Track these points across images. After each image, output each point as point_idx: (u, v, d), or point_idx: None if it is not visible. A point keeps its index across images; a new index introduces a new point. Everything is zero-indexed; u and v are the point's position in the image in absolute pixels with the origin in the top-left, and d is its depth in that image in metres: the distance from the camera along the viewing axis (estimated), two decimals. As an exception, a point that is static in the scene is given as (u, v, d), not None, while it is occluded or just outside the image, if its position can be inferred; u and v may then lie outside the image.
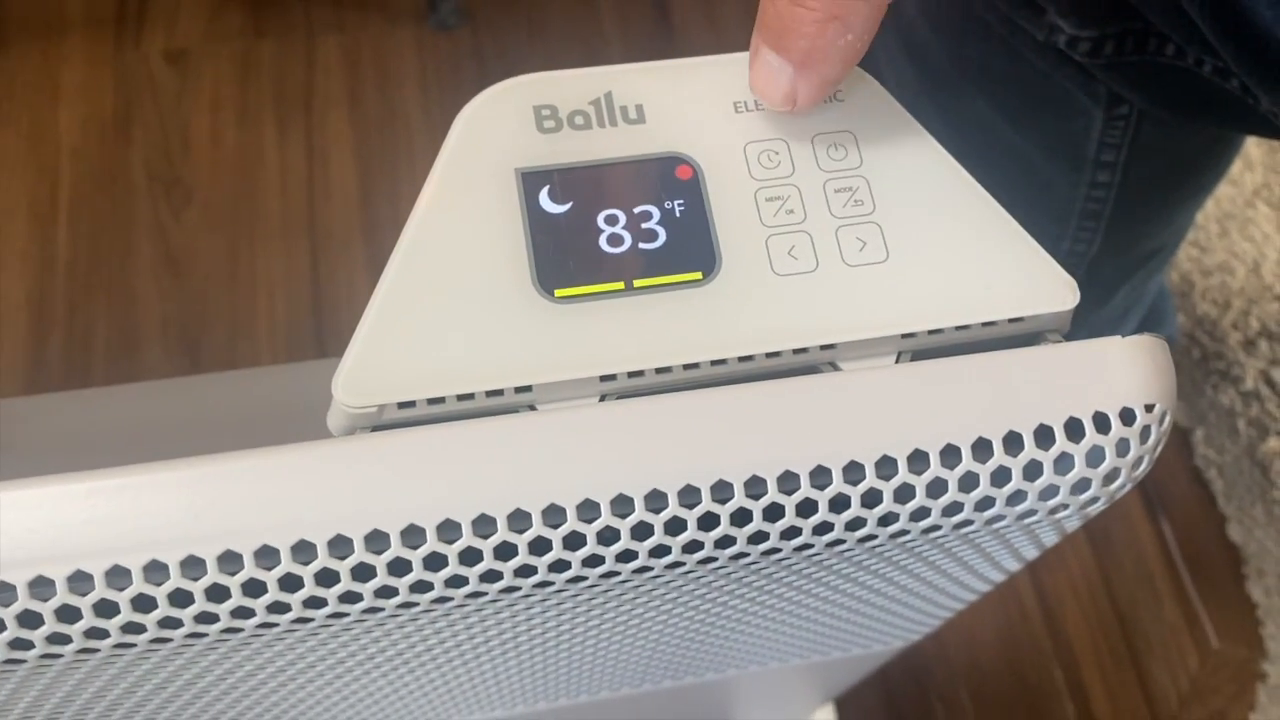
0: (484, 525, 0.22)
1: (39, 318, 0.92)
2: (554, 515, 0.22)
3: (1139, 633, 0.85)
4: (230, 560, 0.22)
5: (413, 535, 0.22)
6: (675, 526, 0.23)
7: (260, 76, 1.04)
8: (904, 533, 0.24)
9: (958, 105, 0.52)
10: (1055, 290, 0.26)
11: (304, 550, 0.22)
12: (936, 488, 0.23)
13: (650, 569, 0.24)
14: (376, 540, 0.22)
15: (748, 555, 0.24)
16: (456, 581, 0.22)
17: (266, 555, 0.22)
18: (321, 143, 1.00)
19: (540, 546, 0.22)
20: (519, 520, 0.22)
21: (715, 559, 0.24)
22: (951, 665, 0.82)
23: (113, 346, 0.90)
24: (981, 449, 0.23)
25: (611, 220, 0.26)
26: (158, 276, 0.93)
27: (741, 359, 0.25)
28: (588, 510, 0.22)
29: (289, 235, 0.96)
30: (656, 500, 0.22)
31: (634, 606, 0.28)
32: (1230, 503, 0.87)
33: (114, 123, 1.01)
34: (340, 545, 0.22)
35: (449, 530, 0.22)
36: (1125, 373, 0.24)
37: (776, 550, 0.24)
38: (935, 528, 0.24)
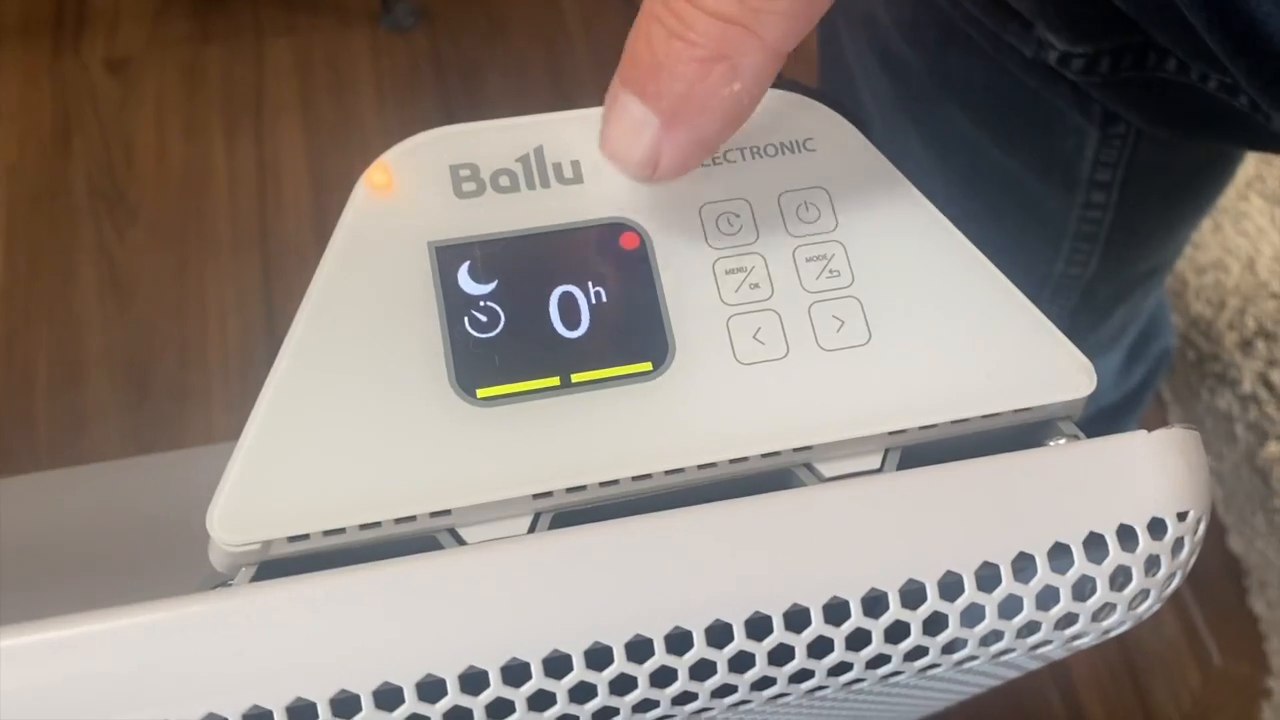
0: (388, 697, 0.18)
1: (-24, 348, 0.87)
2: (473, 682, 0.18)
3: (1138, 651, 0.82)
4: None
5: (303, 712, 0.18)
6: (622, 685, 0.19)
7: (207, 84, 0.99)
8: (897, 674, 0.20)
9: (939, 122, 0.48)
10: (1068, 374, 0.22)
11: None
12: (935, 624, 0.20)
13: (595, 731, 0.20)
14: (256, 714, 0.18)
15: (710, 710, 0.20)
16: (359, 761, 0.19)
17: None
18: (273, 152, 0.96)
19: (458, 716, 0.18)
20: (431, 690, 0.18)
21: (673, 716, 0.20)
22: (944, 692, 0.78)
23: (55, 379, 0.86)
24: (987, 577, 0.20)
25: (544, 302, 0.22)
26: (102, 302, 0.89)
27: (701, 466, 0.21)
28: (514, 674, 0.18)
29: (240, 252, 0.91)
30: (599, 658, 0.19)
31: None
32: (1230, 512, 0.83)
33: (53, 137, 0.95)
34: (212, 728, 0.18)
35: (346, 706, 0.18)
36: (1153, 477, 0.20)
37: (746, 701, 0.20)
38: (934, 665, 0.21)
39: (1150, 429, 0.21)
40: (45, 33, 1.00)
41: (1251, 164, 0.94)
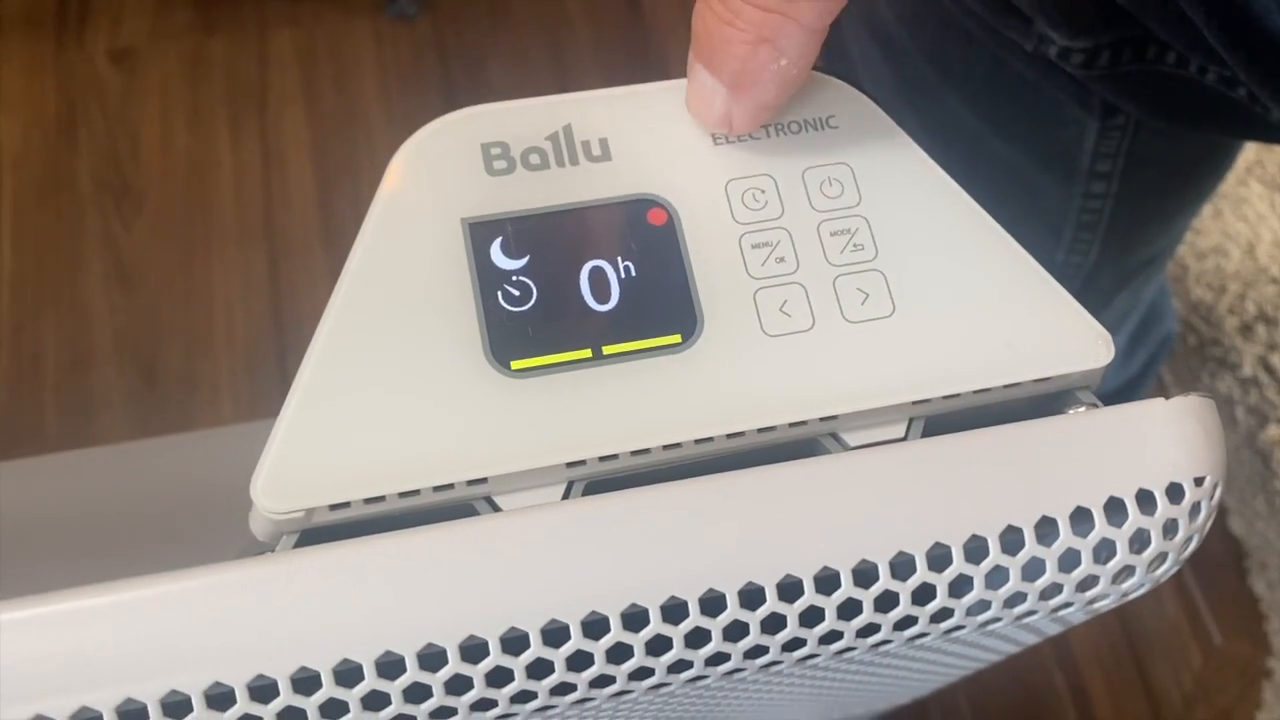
0: (432, 659, 0.19)
1: (-16, 339, 0.87)
2: (514, 644, 0.19)
3: (1140, 632, 0.82)
4: (132, 710, 0.18)
5: (349, 674, 0.18)
6: (658, 646, 0.19)
7: (211, 75, 0.99)
8: (922, 635, 0.21)
9: (940, 113, 0.49)
10: (1086, 345, 0.22)
11: (220, 696, 0.18)
12: (960, 586, 0.20)
13: (630, 692, 0.20)
14: (305, 681, 0.18)
15: (743, 670, 0.20)
16: (402, 721, 0.19)
17: (176, 700, 0.18)
18: (277, 143, 0.96)
19: (499, 677, 0.19)
20: (473, 651, 0.19)
21: (706, 676, 0.20)
22: (949, 673, 0.79)
23: (63, 368, 0.86)
24: (1011, 540, 0.20)
25: (574, 276, 0.22)
26: (109, 291, 0.89)
27: (730, 435, 0.22)
28: (554, 636, 0.19)
29: (246, 243, 0.91)
30: (635, 620, 0.19)
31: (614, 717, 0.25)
32: (1230, 494, 0.84)
33: (58, 129, 0.96)
34: (263, 688, 0.18)
35: (391, 666, 0.19)
36: (1171, 443, 0.21)
37: (777, 662, 0.21)
38: (958, 628, 0.21)
39: (1211, 431, 0.21)
40: (49, 24, 1.00)
41: (1251, 150, 0.95)
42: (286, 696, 0.18)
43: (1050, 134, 0.47)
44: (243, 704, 0.18)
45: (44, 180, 0.93)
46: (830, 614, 0.20)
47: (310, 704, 0.18)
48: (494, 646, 0.19)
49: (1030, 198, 0.50)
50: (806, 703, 0.34)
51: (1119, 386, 0.69)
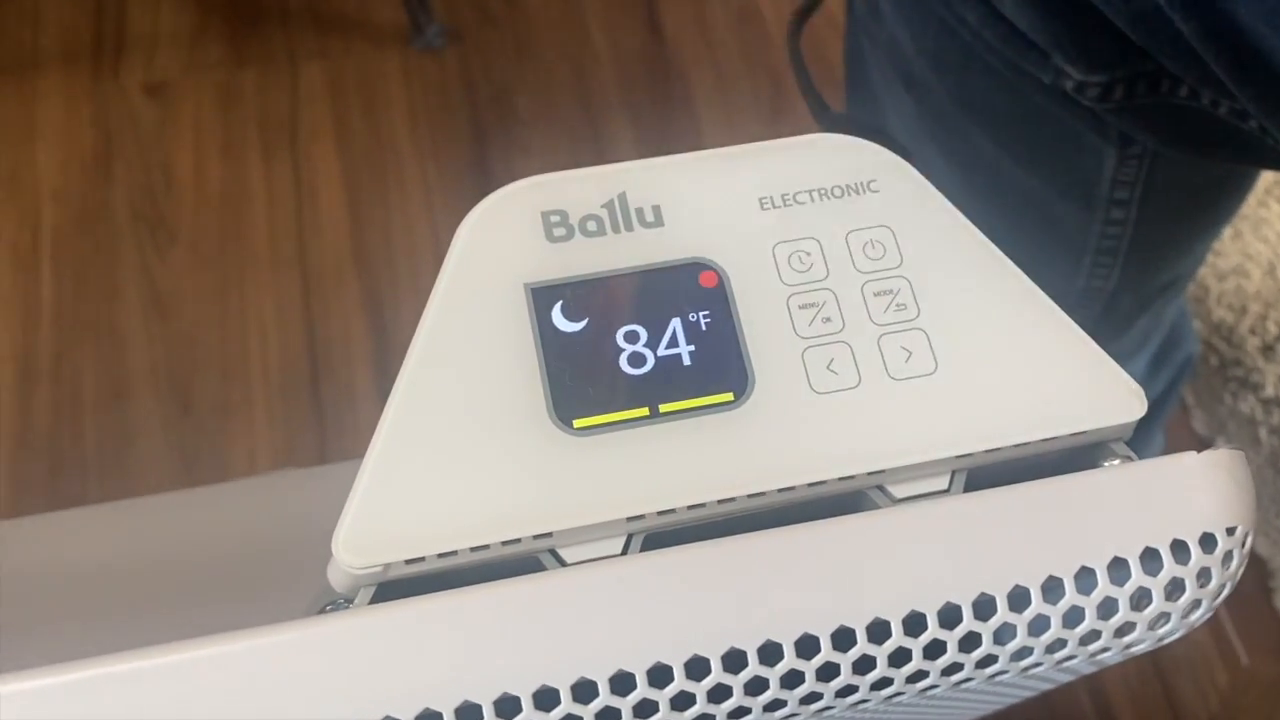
0: (507, 706, 0.20)
1: (26, 368, 0.89)
2: (584, 692, 0.20)
3: (1166, 652, 0.83)
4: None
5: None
6: (719, 694, 0.20)
7: (243, 107, 1.01)
8: (968, 680, 0.22)
9: (961, 143, 0.50)
10: (1120, 400, 0.23)
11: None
12: (1004, 634, 0.21)
13: (692, 735, 0.21)
14: (389, 728, 0.20)
15: (797, 716, 0.22)
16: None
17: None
18: (309, 174, 0.98)
19: (571, 724, 0.20)
20: (546, 699, 0.20)
21: (763, 721, 0.21)
22: (976, 695, 0.80)
23: (102, 396, 0.88)
24: (1052, 589, 0.21)
25: (632, 337, 0.23)
26: (145, 320, 0.91)
27: (781, 490, 0.23)
28: (621, 684, 0.20)
29: (279, 271, 0.93)
30: (698, 668, 0.20)
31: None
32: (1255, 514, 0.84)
33: (94, 161, 0.98)
34: (349, 736, 0.19)
35: (469, 715, 0.20)
36: (1203, 494, 0.22)
37: (829, 709, 0.22)
38: (1002, 672, 0.22)
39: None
40: (85, 59, 1.03)
41: (1270, 173, 0.96)
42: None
43: (1069, 163, 0.48)
44: (331, 750, 0.19)
45: (82, 212, 0.95)
46: (881, 662, 0.21)
47: (394, 750, 0.20)
48: (565, 695, 0.20)
49: (1051, 225, 0.51)
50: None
51: (1142, 409, 0.69)
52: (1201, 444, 0.89)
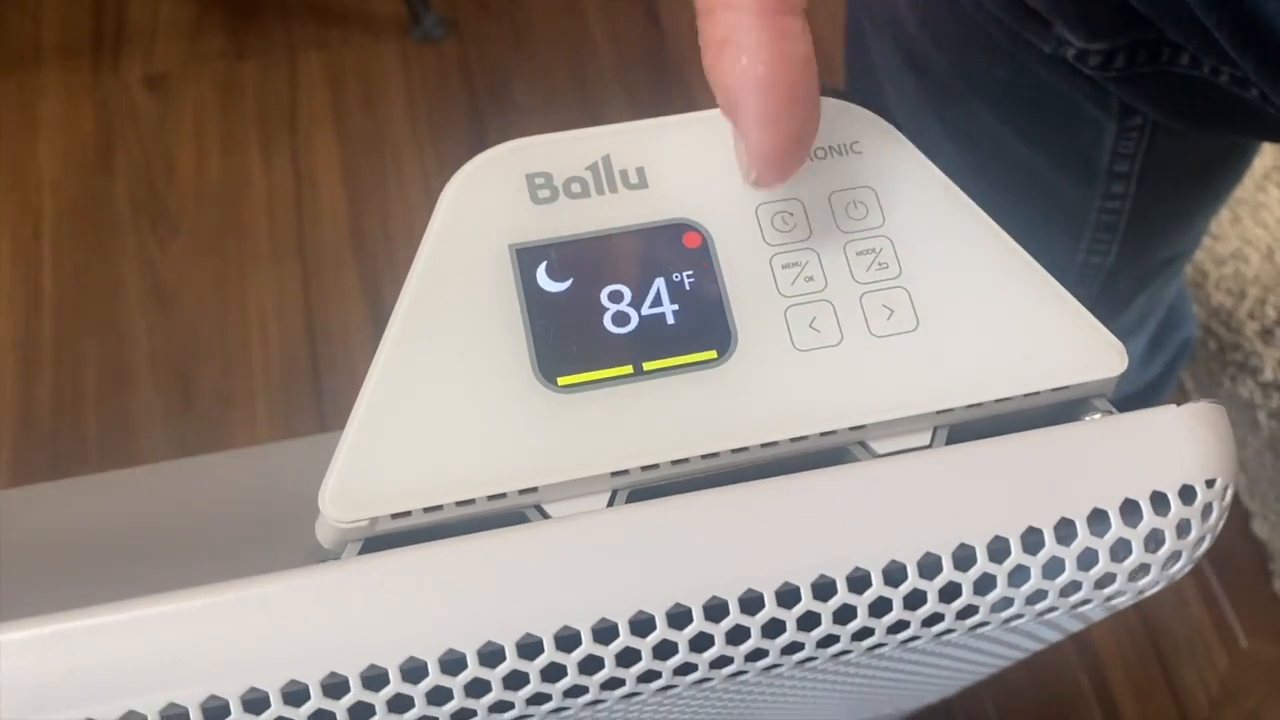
0: (491, 656, 0.20)
1: (28, 359, 0.90)
2: (567, 642, 0.20)
3: (1165, 635, 0.83)
4: (216, 706, 0.20)
5: (413, 672, 0.20)
6: (701, 643, 0.21)
7: (243, 98, 1.01)
8: (949, 631, 0.22)
9: (963, 118, 0.50)
10: (1101, 355, 0.24)
11: (297, 693, 0.20)
12: (984, 584, 0.21)
13: (675, 687, 0.22)
14: (374, 678, 0.20)
15: (780, 665, 0.22)
16: (464, 715, 0.21)
17: (255, 699, 0.20)
18: (308, 164, 0.98)
19: (554, 673, 0.20)
20: (529, 649, 0.20)
21: (745, 671, 0.22)
22: (976, 678, 0.80)
23: (104, 386, 0.88)
24: (1032, 540, 0.21)
25: (616, 297, 0.24)
26: (146, 311, 0.91)
27: (764, 445, 0.23)
28: (604, 634, 0.20)
29: (279, 261, 0.93)
30: (680, 618, 0.20)
31: (659, 711, 0.26)
32: (1254, 498, 0.85)
33: (95, 154, 0.98)
34: (335, 685, 0.20)
35: (454, 665, 0.20)
36: (1183, 447, 0.22)
37: (812, 659, 0.22)
38: (983, 624, 0.22)
39: (1222, 435, 0.23)
40: (86, 52, 1.03)
41: (1269, 155, 0.96)
42: (356, 693, 0.20)
43: (1070, 136, 0.48)
44: (316, 699, 0.20)
45: (83, 204, 0.96)
46: (862, 611, 0.21)
47: (379, 699, 0.20)
48: (548, 644, 0.20)
49: (1051, 199, 0.51)
50: (838, 701, 0.35)
51: (1139, 390, 0.69)
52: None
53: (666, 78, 1.05)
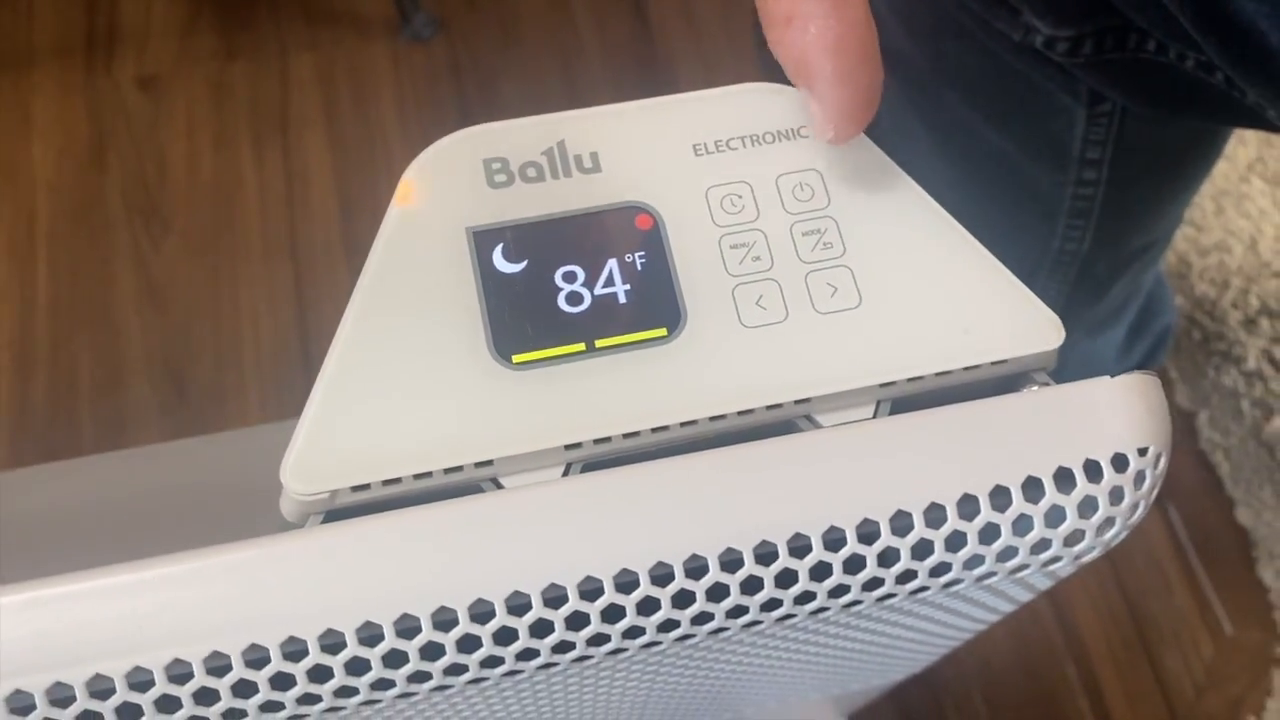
0: (445, 622, 0.21)
1: (22, 358, 0.90)
2: (517, 607, 0.21)
3: (1150, 623, 0.84)
4: (179, 670, 0.20)
5: (368, 631, 0.21)
6: (648, 606, 0.22)
7: (234, 99, 1.02)
8: (890, 595, 0.23)
9: (936, 107, 0.51)
10: (1039, 329, 0.24)
11: (256, 656, 0.21)
12: (922, 549, 0.22)
13: (625, 649, 0.22)
14: (331, 640, 0.21)
15: (727, 629, 0.23)
16: (420, 677, 0.21)
17: (218, 662, 0.20)
18: (300, 163, 0.99)
19: (505, 637, 0.21)
20: (480, 614, 0.21)
21: (694, 635, 0.22)
22: (962, 666, 0.81)
23: (98, 383, 0.89)
24: (967, 506, 0.22)
25: (570, 277, 0.24)
26: (140, 309, 0.92)
27: (712, 418, 0.24)
28: (554, 599, 0.21)
29: (271, 260, 0.94)
30: (627, 581, 0.21)
31: (616, 678, 0.27)
32: (1238, 486, 0.85)
33: (89, 154, 0.99)
34: (293, 647, 0.21)
35: (408, 630, 0.21)
36: (1116, 416, 0.23)
37: (758, 622, 0.23)
38: (923, 589, 0.23)
39: (1154, 405, 0.23)
40: (78, 53, 1.04)
41: (1253, 146, 0.96)
42: (315, 656, 0.21)
43: (1041, 123, 0.49)
44: (276, 663, 0.21)
45: (76, 204, 0.97)
46: (803, 576, 0.22)
47: (336, 662, 0.21)
48: (499, 609, 0.21)
49: (1024, 187, 0.52)
50: (812, 671, 0.36)
51: (1120, 379, 0.70)
52: (1185, 418, 0.89)
53: (654, 72, 1.06)
